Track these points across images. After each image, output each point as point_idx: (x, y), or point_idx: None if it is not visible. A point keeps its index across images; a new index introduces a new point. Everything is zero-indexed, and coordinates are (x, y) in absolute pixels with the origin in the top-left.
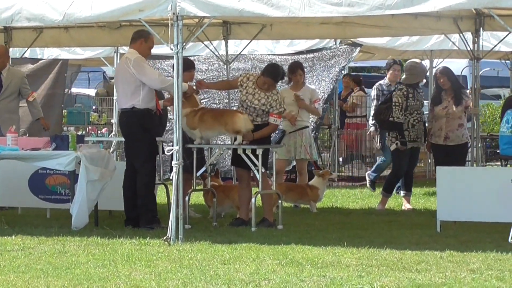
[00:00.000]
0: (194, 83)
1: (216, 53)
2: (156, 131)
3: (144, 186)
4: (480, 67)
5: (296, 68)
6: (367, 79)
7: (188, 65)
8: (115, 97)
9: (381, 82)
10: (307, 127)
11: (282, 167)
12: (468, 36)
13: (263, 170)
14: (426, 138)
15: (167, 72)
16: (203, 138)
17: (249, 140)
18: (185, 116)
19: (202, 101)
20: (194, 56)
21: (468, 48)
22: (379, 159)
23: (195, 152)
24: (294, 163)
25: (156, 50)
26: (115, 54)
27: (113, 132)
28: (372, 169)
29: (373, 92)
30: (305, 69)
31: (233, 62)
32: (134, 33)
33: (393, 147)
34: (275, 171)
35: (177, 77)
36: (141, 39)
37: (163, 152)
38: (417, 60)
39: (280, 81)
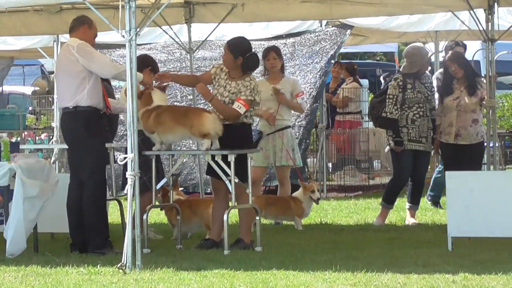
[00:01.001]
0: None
1: (177, 40)
2: (105, 135)
3: (92, 202)
4: (495, 51)
5: (269, 51)
6: (360, 68)
7: (147, 63)
8: (55, 95)
9: (441, 71)
10: (289, 127)
11: (259, 176)
12: (480, 13)
13: (236, 180)
14: (434, 137)
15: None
16: (163, 143)
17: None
18: (140, 118)
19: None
20: (150, 44)
21: (481, 28)
22: (435, 171)
23: (153, 160)
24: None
25: (103, 37)
26: (55, 43)
27: (54, 138)
28: (430, 187)
29: (434, 83)
30: (284, 57)
31: (197, 50)
32: (74, 20)
33: (387, 148)
34: (250, 181)
35: (130, 69)
36: (84, 25)
37: (115, 162)
38: (419, 45)
39: (252, 70)
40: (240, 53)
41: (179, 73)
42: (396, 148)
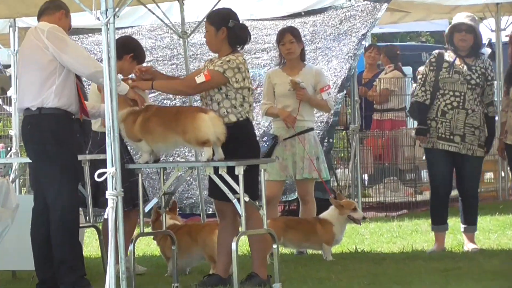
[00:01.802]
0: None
1: (167, 22)
2: (77, 145)
3: (62, 230)
4: None
5: (284, 34)
6: (401, 52)
7: (128, 49)
8: (14, 95)
9: None
10: (312, 129)
11: (276, 193)
12: None
13: (246, 199)
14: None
15: (93, 54)
16: (153, 154)
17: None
18: (122, 121)
19: (150, 96)
20: (133, 27)
21: None
22: None
23: (140, 176)
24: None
25: (74, 21)
26: (11, 29)
27: (13, 150)
28: None
29: None
30: (303, 39)
31: (192, 34)
32: (49, 2)
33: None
34: (265, 199)
35: (108, 60)
36: (61, 11)
37: (91, 178)
38: (472, 17)
39: (242, 43)
40: (222, 23)
41: (169, 63)
42: (418, 138)
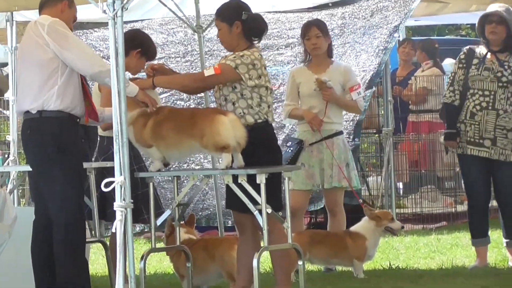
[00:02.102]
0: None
1: (180, 15)
2: (82, 151)
3: (66, 246)
4: None
5: (309, 27)
6: (439, 47)
7: (135, 44)
8: (12, 97)
9: None
10: (341, 133)
11: (301, 204)
12: None
13: (269, 211)
14: None
15: (98, 51)
16: (165, 161)
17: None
18: (131, 124)
19: (161, 96)
20: (142, 21)
21: None
22: None
23: (151, 185)
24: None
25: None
26: (8, 24)
27: (11, 157)
28: None
29: None
30: (330, 33)
31: (209, 29)
32: None
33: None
34: (289, 210)
35: (116, 58)
36: (63, 1)
37: (98, 188)
38: (506, 7)
39: (259, 34)
40: (234, 17)
41: (182, 60)
42: (447, 143)
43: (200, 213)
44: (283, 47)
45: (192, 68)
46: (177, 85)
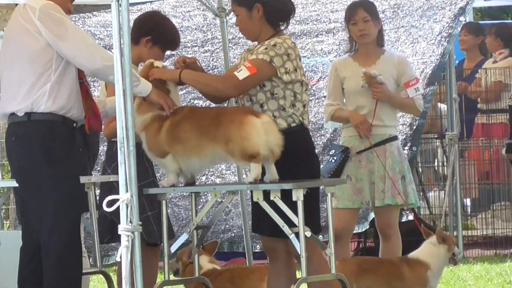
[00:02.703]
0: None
1: None
2: (79, 163)
3: (58, 277)
4: None
5: (355, 9)
6: None
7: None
8: None
9: None
10: (396, 138)
11: (348, 225)
12: None
13: (308, 234)
14: None
15: (98, 39)
16: (182, 173)
17: None
18: (143, 129)
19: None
20: (152, 2)
21: None
22: None
23: (164, 204)
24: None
25: None
26: None
27: None
28: None
29: None
30: (381, 16)
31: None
32: None
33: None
34: (333, 233)
35: (120, 48)
36: None
37: (99, 207)
38: None
39: (285, 18)
40: None
41: (201, 49)
42: (510, 157)
43: (221, 236)
44: (324, 33)
45: (212, 60)
46: (207, 86)
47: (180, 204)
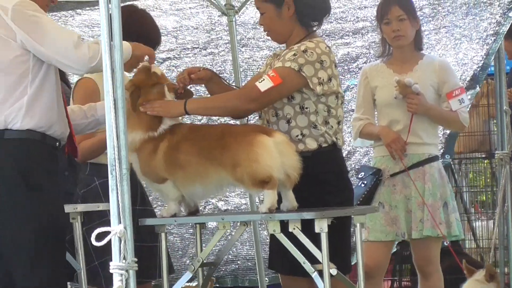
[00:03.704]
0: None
1: None
2: (62, 188)
3: None
4: None
5: (388, 6)
6: None
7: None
8: None
9: None
10: (437, 158)
11: (381, 261)
12: None
13: (333, 272)
14: None
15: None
16: (185, 203)
17: None
18: (134, 150)
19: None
20: None
21: None
22: None
23: (163, 236)
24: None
25: None
26: None
27: None
28: None
29: None
30: (419, 14)
31: (243, 9)
32: None
33: None
34: (362, 270)
35: (109, 53)
36: None
37: (86, 240)
38: None
39: (318, 18)
40: None
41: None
42: None
43: (223, 269)
44: (350, 34)
45: (216, 64)
46: (221, 109)
47: (175, 232)
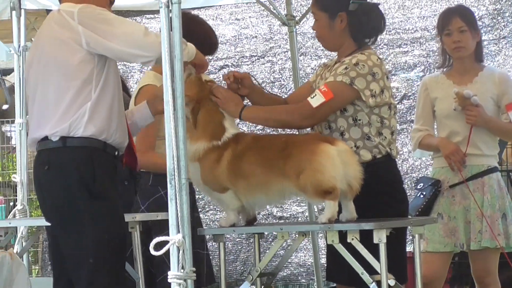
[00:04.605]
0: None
1: (267, 3)
2: (123, 197)
3: None
4: None
5: (449, 17)
6: None
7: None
8: (19, 119)
9: None
10: (496, 169)
11: (440, 272)
12: None
13: (392, 283)
14: None
15: None
16: (244, 211)
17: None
18: (196, 159)
19: None
20: (208, 8)
21: None
22: None
23: (222, 248)
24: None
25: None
26: (14, 14)
27: (19, 206)
28: None
29: None
30: (478, 23)
31: (304, 20)
32: None
33: None
34: (420, 282)
35: (169, 63)
36: None
37: (145, 248)
38: None
39: (372, 34)
40: (338, 5)
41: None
42: None
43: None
44: (408, 43)
45: (273, 72)
46: (275, 122)
47: (227, 236)
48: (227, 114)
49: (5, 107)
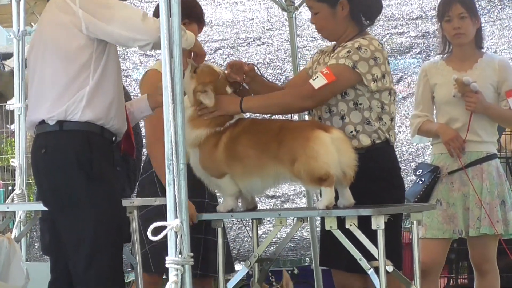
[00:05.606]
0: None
1: None
2: (119, 181)
3: None
4: None
5: (451, 3)
6: None
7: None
8: (18, 104)
9: None
10: (495, 156)
11: (438, 259)
12: None
13: (389, 269)
14: None
15: None
16: (243, 198)
17: None
18: (196, 145)
19: None
20: None
21: None
22: None
23: (218, 234)
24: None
25: None
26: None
27: (17, 190)
28: None
29: None
30: (478, 9)
31: (302, 7)
32: None
33: None
34: (418, 268)
35: (168, 48)
36: None
37: (143, 235)
38: None
39: (372, 17)
40: None
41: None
42: None
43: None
44: (403, 25)
45: (269, 53)
46: (275, 107)
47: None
48: (231, 114)
49: None
